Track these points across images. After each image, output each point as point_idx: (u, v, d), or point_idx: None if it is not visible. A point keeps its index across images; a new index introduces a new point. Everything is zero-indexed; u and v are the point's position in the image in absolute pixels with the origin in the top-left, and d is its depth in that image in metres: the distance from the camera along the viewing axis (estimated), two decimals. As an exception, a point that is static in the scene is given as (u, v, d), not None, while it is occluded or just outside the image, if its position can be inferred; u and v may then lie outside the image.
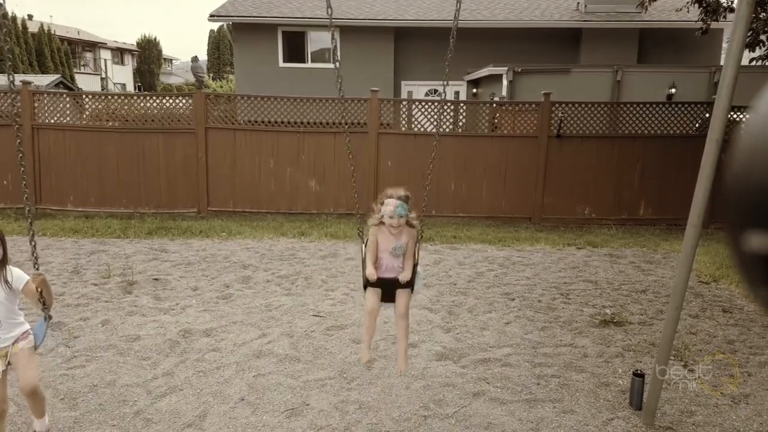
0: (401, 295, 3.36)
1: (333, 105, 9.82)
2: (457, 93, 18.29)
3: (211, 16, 17.92)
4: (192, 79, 32.03)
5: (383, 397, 3.91)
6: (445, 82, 3.61)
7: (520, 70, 13.86)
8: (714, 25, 9.52)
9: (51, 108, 9.85)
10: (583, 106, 9.76)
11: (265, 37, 17.98)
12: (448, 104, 10.62)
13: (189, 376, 4.14)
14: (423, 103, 10.05)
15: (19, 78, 15.95)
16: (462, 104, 12.50)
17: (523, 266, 7.28)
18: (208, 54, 53.88)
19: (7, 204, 9.52)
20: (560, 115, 9.71)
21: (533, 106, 9.90)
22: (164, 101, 10.14)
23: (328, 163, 9.83)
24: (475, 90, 17.56)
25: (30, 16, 40.25)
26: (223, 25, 42.43)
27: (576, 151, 9.77)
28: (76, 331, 4.88)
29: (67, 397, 3.81)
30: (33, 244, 3.25)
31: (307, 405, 3.79)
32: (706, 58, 17.04)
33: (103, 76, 42.33)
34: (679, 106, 9.87)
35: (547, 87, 10.37)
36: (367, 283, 3.34)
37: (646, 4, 9.77)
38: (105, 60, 44.55)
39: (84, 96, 11.36)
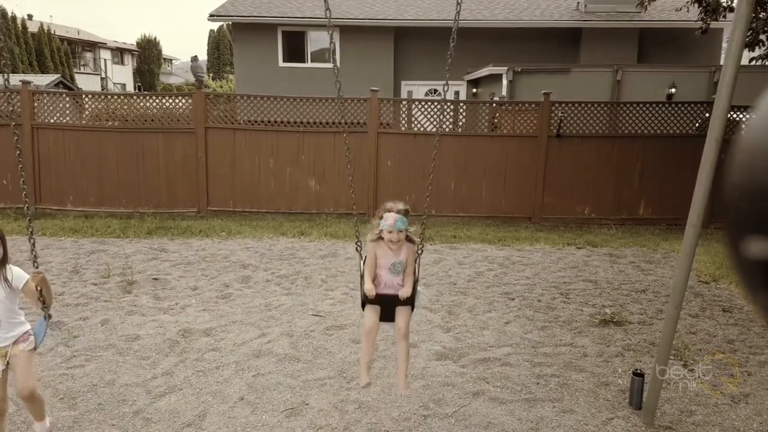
0: (401, 313, 3.22)
1: (333, 105, 9.82)
2: (457, 93, 18.29)
3: (211, 15, 17.91)
4: (192, 78, 32.04)
5: (383, 397, 3.90)
6: (446, 82, 3.52)
7: (520, 69, 13.86)
8: (714, 24, 9.52)
9: (51, 108, 9.85)
10: (582, 105, 9.76)
11: (265, 37, 17.98)
12: (448, 104, 10.62)
13: (188, 376, 4.14)
14: (423, 103, 10.05)
15: (18, 78, 15.97)
16: (462, 104, 12.50)
17: (522, 266, 7.28)
18: (208, 54, 53.87)
19: (6, 204, 9.52)
20: (560, 114, 9.71)
21: (533, 105, 9.90)
22: (164, 101, 10.13)
23: (327, 163, 9.82)
24: (475, 90, 17.56)
25: (30, 16, 40.25)
26: (223, 24, 42.43)
27: (576, 150, 9.77)
28: (76, 331, 4.88)
29: (67, 397, 3.81)
30: (32, 242, 3.24)
31: (307, 404, 3.79)
32: (706, 57, 17.03)
33: (103, 76, 42.34)
34: (679, 105, 9.87)
35: (547, 87, 10.37)
36: (366, 300, 3.21)
37: (646, 3, 9.76)
38: (105, 60, 44.56)
39: (84, 96, 11.35)
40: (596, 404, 3.88)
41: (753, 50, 8.81)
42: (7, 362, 3.05)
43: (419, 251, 3.28)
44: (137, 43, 50.35)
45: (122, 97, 13.23)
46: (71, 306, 5.46)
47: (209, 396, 3.87)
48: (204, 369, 4.26)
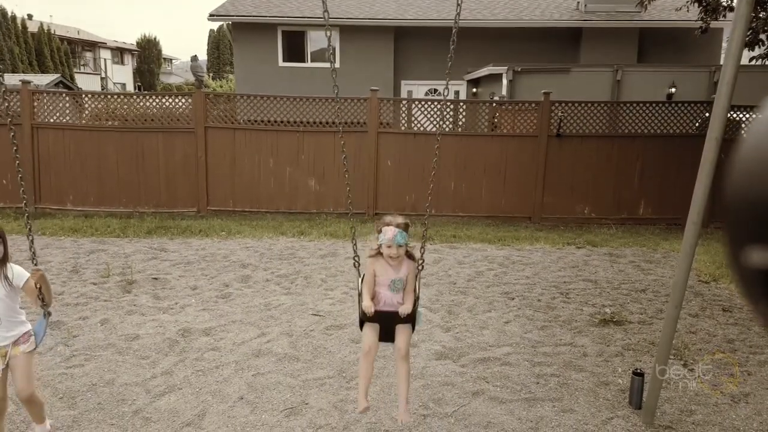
0: (401, 332, 3.08)
1: (332, 104, 9.81)
2: (457, 92, 18.29)
3: (211, 15, 17.91)
4: (192, 78, 32.05)
5: (382, 396, 3.90)
6: (447, 82, 3.44)
7: (520, 69, 13.85)
8: (714, 24, 9.51)
9: (50, 107, 9.85)
10: (582, 105, 9.76)
11: (265, 37, 17.97)
12: (448, 104, 10.61)
13: (188, 375, 4.14)
14: (423, 103, 10.05)
15: (18, 77, 15.97)
16: (462, 103, 12.50)
17: (522, 265, 7.28)
18: (208, 54, 53.87)
19: (6, 203, 9.51)
20: (560, 114, 9.70)
21: (533, 105, 9.90)
22: (164, 101, 10.13)
23: (327, 163, 9.82)
24: (474, 89, 17.55)
25: (30, 16, 40.26)
26: (222, 24, 42.43)
27: (576, 150, 9.77)
28: (75, 330, 4.88)
29: (66, 396, 3.81)
30: (30, 239, 3.24)
31: (306, 404, 3.79)
32: (706, 57, 17.03)
33: (103, 75, 42.33)
34: (679, 105, 9.87)
35: (547, 86, 10.36)
36: (364, 318, 3.07)
37: (646, 3, 9.77)
38: (105, 60, 44.55)
39: (83, 95, 11.35)
40: (596, 404, 3.88)
41: (753, 50, 8.81)
42: (7, 362, 3.04)
43: (420, 267, 3.14)
44: (137, 42, 50.36)
45: (122, 96, 13.22)
46: (71, 305, 5.45)
47: (209, 395, 3.87)
48: (203, 368, 4.26)
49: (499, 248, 8.15)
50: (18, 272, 3.06)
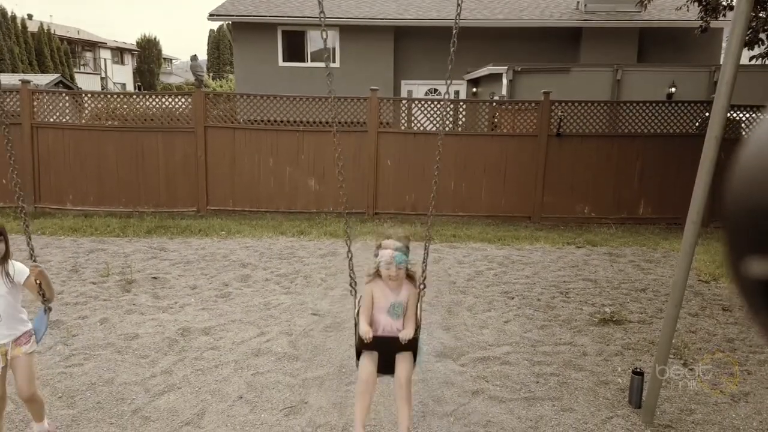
0: (402, 361, 2.84)
1: (333, 104, 9.79)
2: (457, 92, 18.28)
3: (211, 15, 17.91)
4: (192, 78, 32.05)
5: (383, 400, 3.89)
6: (448, 83, 3.31)
7: (519, 69, 13.85)
8: (714, 23, 9.51)
9: (50, 107, 9.85)
10: (582, 105, 9.76)
11: (265, 37, 17.97)
12: (445, 103, 10.61)
13: (187, 375, 4.13)
14: (423, 102, 10.04)
15: (18, 77, 15.96)
16: (462, 103, 12.49)
17: (522, 265, 7.27)
18: (208, 53, 53.88)
19: (6, 203, 9.51)
20: (560, 114, 9.70)
21: (533, 105, 9.89)
22: (164, 100, 10.13)
23: (327, 162, 9.82)
24: (474, 89, 17.55)
25: (30, 16, 40.26)
26: (222, 24, 42.43)
27: (576, 150, 9.76)
28: (75, 330, 4.88)
29: (65, 396, 3.80)
30: (27, 234, 3.25)
31: (306, 403, 3.78)
32: (706, 57, 17.03)
33: (103, 75, 42.35)
34: (679, 105, 9.87)
35: (547, 86, 10.36)
36: (361, 345, 2.85)
37: (646, 2, 9.76)
38: (105, 60, 44.56)
39: (83, 95, 11.35)
40: (596, 403, 3.87)
41: (752, 49, 8.81)
42: (7, 360, 3.04)
43: (421, 289, 2.91)
44: (137, 42, 50.37)
45: (122, 96, 13.22)
46: (70, 305, 5.45)
47: (208, 394, 3.86)
48: (203, 368, 4.25)
49: (498, 248, 8.14)
50: (19, 269, 3.06)
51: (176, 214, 9.66)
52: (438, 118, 9.82)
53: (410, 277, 2.92)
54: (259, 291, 6.03)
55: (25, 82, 9.93)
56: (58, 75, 29.22)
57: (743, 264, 0.43)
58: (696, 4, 9.04)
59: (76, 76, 37.53)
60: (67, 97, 10.21)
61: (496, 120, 10.24)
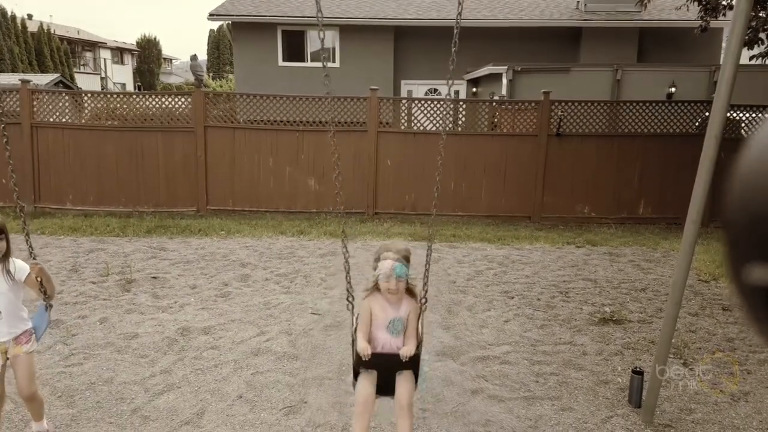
0: (403, 381, 2.68)
1: (333, 104, 9.81)
2: (456, 92, 18.28)
3: (211, 15, 17.91)
4: (192, 78, 32.04)
5: (383, 403, 3.88)
6: (450, 83, 3.19)
7: (519, 69, 13.85)
8: (713, 23, 9.52)
9: (50, 107, 9.84)
10: (582, 104, 9.76)
11: (265, 36, 17.97)
12: (446, 103, 10.61)
13: (187, 374, 4.13)
14: (423, 102, 10.04)
15: (18, 77, 15.95)
16: (462, 103, 12.49)
17: (522, 264, 7.27)
18: (208, 53, 53.89)
19: (6, 203, 9.50)
20: (560, 113, 9.70)
21: (533, 104, 9.89)
22: (163, 100, 10.13)
23: (327, 162, 9.81)
24: (474, 89, 17.55)
25: (30, 16, 40.27)
26: (222, 24, 42.44)
27: (576, 149, 9.76)
28: (74, 329, 4.87)
29: (65, 395, 3.80)
30: (26, 232, 3.25)
31: (305, 403, 3.78)
32: (706, 57, 17.03)
33: (103, 75, 42.35)
34: (679, 104, 9.86)
35: (547, 86, 10.36)
36: (359, 364, 2.68)
37: (646, 2, 9.76)
38: (105, 59, 44.57)
39: (83, 95, 11.35)
40: (595, 402, 3.87)
41: (752, 48, 8.81)
42: (7, 358, 3.03)
43: (422, 304, 2.74)
44: (137, 42, 50.38)
45: (122, 96, 13.23)
46: (70, 304, 5.45)
47: (208, 394, 3.86)
48: (202, 367, 4.25)
49: (498, 247, 8.14)
50: (20, 266, 3.06)
51: (176, 214, 9.66)
52: (438, 118, 9.82)
53: (410, 291, 2.77)
54: (259, 290, 6.02)
55: (24, 81, 9.92)
56: (58, 75, 29.22)
57: (744, 271, 0.43)
58: (696, 3, 9.04)
59: (76, 76, 37.54)
60: (66, 97, 10.21)
61: (496, 120, 10.24)
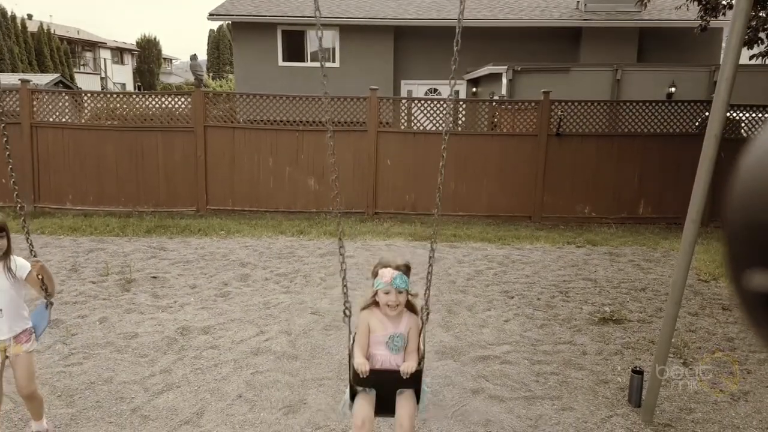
0: (404, 402, 2.50)
1: (332, 104, 9.81)
2: (456, 92, 18.27)
3: (211, 15, 17.91)
4: (192, 78, 32.04)
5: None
6: (453, 82, 2.96)
7: (519, 68, 13.84)
8: (713, 23, 9.52)
9: (50, 106, 9.84)
10: (582, 104, 9.76)
11: (265, 36, 17.97)
12: (448, 102, 10.61)
13: (186, 374, 4.13)
14: (422, 102, 10.04)
15: (18, 77, 15.96)
16: (462, 103, 12.49)
17: (522, 264, 7.27)
18: (208, 53, 53.89)
19: (6, 202, 9.50)
20: (560, 113, 9.70)
21: (533, 104, 9.89)
22: (163, 100, 10.12)
23: (327, 162, 9.80)
24: (474, 89, 17.55)
25: (30, 16, 40.26)
26: (222, 24, 42.44)
27: (576, 149, 9.76)
28: (74, 329, 4.87)
29: (64, 394, 3.80)
30: (26, 230, 3.25)
31: (305, 403, 3.78)
32: (705, 56, 17.03)
33: (103, 75, 42.34)
34: (679, 104, 9.86)
35: (547, 86, 10.36)
36: (356, 383, 2.51)
37: (645, 2, 9.77)
38: (105, 59, 44.55)
39: (83, 95, 11.34)
40: (595, 402, 3.87)
41: (752, 48, 8.81)
42: (6, 357, 3.03)
43: (424, 317, 2.54)
44: (137, 42, 50.38)
45: (121, 96, 13.23)
46: (69, 304, 5.45)
47: (207, 393, 3.86)
48: (202, 367, 4.25)
49: (498, 247, 8.14)
50: (21, 264, 3.06)
51: (176, 214, 9.66)
52: (438, 118, 9.81)
53: (411, 306, 2.62)
54: (259, 290, 6.02)
55: (24, 81, 9.92)
56: (58, 75, 29.23)
57: (744, 277, 0.43)
58: (695, 3, 9.04)
59: (76, 76, 37.54)
60: (66, 97, 10.21)
61: (495, 120, 10.23)
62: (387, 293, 2.50)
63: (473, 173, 9.84)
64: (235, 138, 9.78)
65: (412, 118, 10.14)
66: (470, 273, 6.83)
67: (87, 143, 9.68)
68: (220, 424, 3.50)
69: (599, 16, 17.62)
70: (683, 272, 3.48)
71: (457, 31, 2.85)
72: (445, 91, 17.98)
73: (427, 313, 2.54)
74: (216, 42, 53.19)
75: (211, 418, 3.56)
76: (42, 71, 33.24)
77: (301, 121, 9.85)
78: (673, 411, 3.78)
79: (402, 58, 18.31)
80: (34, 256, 3.14)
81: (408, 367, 2.44)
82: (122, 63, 48.47)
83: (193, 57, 20.32)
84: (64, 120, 9.79)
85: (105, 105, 10.38)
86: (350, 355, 2.57)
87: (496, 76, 14.59)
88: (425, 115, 9.91)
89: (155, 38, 50.76)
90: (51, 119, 9.75)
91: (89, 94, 11.16)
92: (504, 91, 13.91)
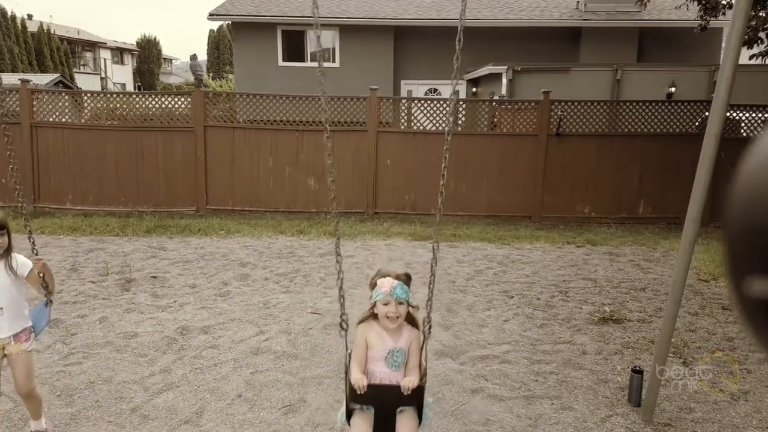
0: (405, 420, 2.34)
1: (332, 104, 9.81)
2: (456, 92, 18.24)
3: (211, 15, 17.91)
4: (192, 78, 32.04)
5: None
6: (455, 81, 2.98)
7: (519, 68, 13.84)
8: (713, 23, 9.52)
9: (50, 106, 9.84)
10: (582, 104, 9.75)
11: (265, 36, 17.97)
12: (448, 102, 10.60)
13: (186, 373, 4.13)
14: (422, 102, 10.04)
15: (18, 77, 15.96)
16: (462, 103, 12.49)
17: (522, 264, 7.27)
18: (208, 54, 53.86)
19: (5, 202, 9.49)
20: (560, 113, 9.70)
21: (533, 104, 9.89)
22: (163, 100, 10.12)
23: (327, 162, 9.79)
24: (474, 89, 17.55)
25: (30, 16, 40.25)
26: (222, 24, 42.44)
27: (575, 149, 9.76)
28: (74, 328, 4.87)
29: (64, 394, 3.80)
30: (29, 230, 3.25)
31: (305, 402, 3.78)
32: (705, 56, 17.03)
33: (103, 75, 42.34)
34: (679, 104, 9.86)
35: (547, 85, 10.36)
36: (353, 399, 2.32)
37: (645, 1, 9.77)
38: (105, 60, 44.55)
39: (83, 95, 11.34)
40: (595, 401, 3.87)
41: (751, 47, 8.81)
42: (5, 355, 3.03)
43: (426, 331, 2.38)
44: (137, 42, 50.35)
45: (121, 96, 13.23)
46: (69, 304, 5.45)
47: (207, 393, 3.86)
48: (202, 366, 4.25)
49: (498, 247, 8.14)
50: (22, 262, 3.06)
51: (175, 214, 9.66)
52: (438, 118, 9.81)
53: (411, 319, 2.46)
54: (259, 290, 6.02)
55: (24, 81, 9.92)
56: (58, 75, 29.22)
57: (745, 284, 0.43)
58: (695, 3, 9.04)
59: (76, 76, 37.53)
60: (66, 97, 10.21)
61: (495, 120, 10.23)
62: (386, 304, 2.36)
63: (473, 173, 9.84)
64: (235, 138, 9.78)
65: (412, 118, 10.14)
66: (470, 273, 6.83)
67: (87, 143, 9.68)
68: (220, 424, 3.50)
69: (599, 16, 17.62)
70: (683, 272, 3.48)
71: (459, 29, 2.81)
72: (444, 91, 17.99)
73: (429, 326, 2.37)
74: (216, 42, 53.18)
75: (210, 418, 3.56)
76: (42, 71, 33.23)
77: (301, 121, 9.85)
78: (673, 410, 3.78)
79: (402, 58, 18.31)
80: (36, 254, 3.15)
81: (409, 382, 2.29)
82: (122, 63, 48.46)
83: (193, 57, 20.31)
84: (64, 120, 9.79)
85: (105, 105, 10.38)
86: (347, 371, 2.41)
87: (496, 76, 14.58)
88: (425, 115, 9.91)
89: (155, 38, 50.75)
90: (51, 119, 9.75)
91: (89, 94, 11.16)
92: (504, 91, 13.91)
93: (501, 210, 9.91)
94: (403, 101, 10.47)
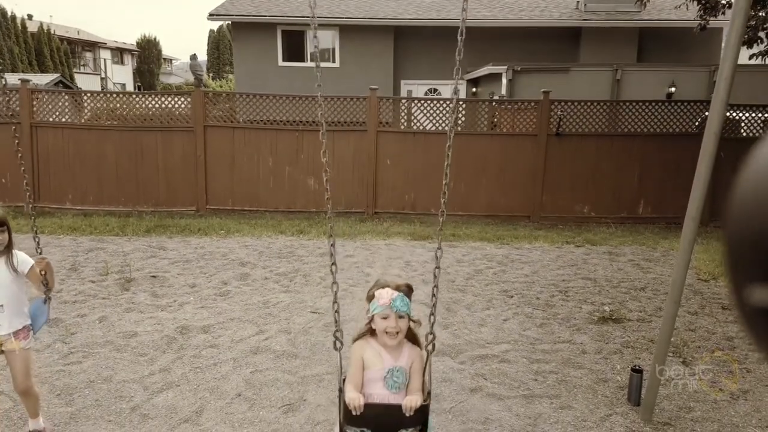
0: None
1: (332, 104, 9.81)
2: (457, 90, 18.27)
3: (211, 15, 17.91)
4: (192, 78, 32.04)
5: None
6: (457, 80, 2.88)
7: (519, 68, 13.84)
8: (713, 23, 9.52)
9: (50, 106, 9.84)
10: (582, 104, 9.76)
11: (265, 36, 17.97)
12: (448, 102, 10.60)
13: (186, 372, 4.13)
14: (422, 102, 10.04)
15: (18, 77, 15.95)
16: (462, 102, 12.48)
17: (521, 264, 7.27)
18: (208, 54, 53.86)
19: (5, 202, 9.49)
20: (559, 113, 9.70)
21: (532, 104, 9.89)
22: (163, 100, 10.12)
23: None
24: (474, 89, 17.55)
25: (30, 16, 40.25)
26: (222, 24, 42.43)
27: (575, 149, 9.76)
28: (74, 328, 4.87)
29: (64, 393, 3.80)
30: (35, 230, 3.25)
31: (305, 400, 3.78)
32: (705, 56, 17.03)
33: (103, 75, 42.33)
34: (679, 104, 9.86)
35: (547, 85, 10.36)
36: (348, 422, 2.08)
37: (645, 1, 9.77)
38: (105, 60, 44.55)
39: (83, 94, 11.35)
40: (594, 401, 3.87)
41: (751, 47, 8.82)
42: (1, 352, 3.03)
43: (429, 348, 2.16)
44: (137, 43, 50.34)
45: (121, 96, 13.23)
46: (69, 303, 5.45)
47: (206, 392, 3.86)
48: (201, 365, 4.25)
49: (498, 247, 8.14)
50: (23, 259, 3.06)
51: (175, 214, 9.66)
52: (437, 118, 9.82)
53: (413, 335, 2.27)
54: (258, 289, 6.02)
55: (24, 81, 9.92)
56: (58, 75, 29.22)
57: (746, 292, 0.43)
58: (695, 2, 9.05)
59: (76, 76, 37.53)
60: (66, 97, 10.21)
61: (495, 119, 10.24)
62: (385, 318, 2.15)
63: (473, 173, 9.84)
64: (234, 138, 9.78)
65: (412, 118, 10.14)
66: (469, 272, 6.83)
67: (87, 143, 9.68)
68: (220, 423, 3.50)
69: (599, 16, 17.63)
70: (683, 271, 3.48)
71: (460, 29, 2.77)
72: (444, 90, 17.99)
73: (433, 342, 2.14)
74: (216, 42, 53.17)
75: (210, 417, 3.56)
76: (42, 71, 33.23)
77: (300, 121, 9.86)
78: (673, 410, 3.78)
79: (402, 58, 18.31)
80: (40, 254, 3.15)
81: (412, 401, 2.05)
82: (122, 63, 48.46)
83: (193, 57, 20.32)
84: (64, 120, 9.79)
85: (105, 105, 10.38)
86: (340, 393, 2.19)
87: (496, 76, 14.59)
88: (425, 115, 9.92)
89: (155, 38, 50.74)
90: (51, 119, 9.76)
91: (89, 94, 11.16)
92: (504, 91, 13.91)
93: (500, 210, 9.91)
94: (403, 101, 10.47)
